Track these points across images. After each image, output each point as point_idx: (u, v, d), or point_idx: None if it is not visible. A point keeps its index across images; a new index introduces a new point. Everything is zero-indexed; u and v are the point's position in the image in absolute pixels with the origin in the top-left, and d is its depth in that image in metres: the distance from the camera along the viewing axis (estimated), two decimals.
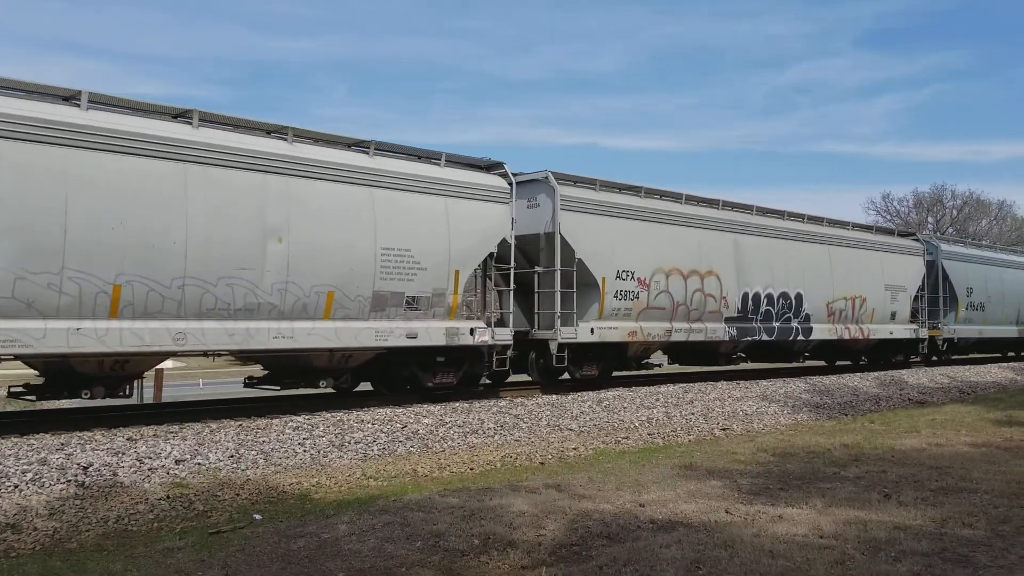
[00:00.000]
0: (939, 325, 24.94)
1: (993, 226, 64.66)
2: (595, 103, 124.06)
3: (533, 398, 14.36)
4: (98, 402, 11.50)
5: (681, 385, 16.92)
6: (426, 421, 11.73)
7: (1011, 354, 31.92)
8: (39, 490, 7.68)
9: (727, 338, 17.89)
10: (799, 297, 19.96)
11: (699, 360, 19.23)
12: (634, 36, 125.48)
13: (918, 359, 25.35)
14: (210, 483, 8.35)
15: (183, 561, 5.95)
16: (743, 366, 21.06)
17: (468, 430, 11.62)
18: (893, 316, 23.23)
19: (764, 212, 19.86)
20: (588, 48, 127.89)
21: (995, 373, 24.31)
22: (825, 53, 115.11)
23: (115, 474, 8.26)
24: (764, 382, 18.18)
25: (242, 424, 10.73)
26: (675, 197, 17.56)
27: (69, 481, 7.93)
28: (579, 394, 14.97)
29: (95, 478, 8.09)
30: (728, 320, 17.93)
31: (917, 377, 21.64)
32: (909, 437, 12.24)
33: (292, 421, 11.07)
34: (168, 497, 7.77)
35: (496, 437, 11.53)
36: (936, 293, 25.12)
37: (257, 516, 7.37)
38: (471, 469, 9.69)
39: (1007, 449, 11.02)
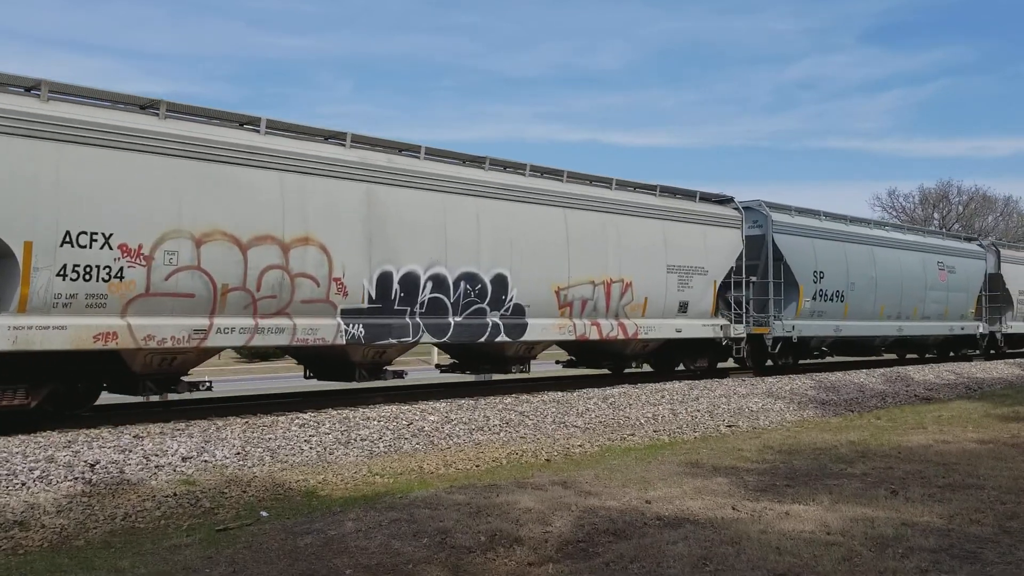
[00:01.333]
0: (769, 320, 18.77)
1: (999, 222, 64.49)
2: (597, 100, 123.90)
3: (539, 395, 14.33)
4: (105, 400, 11.52)
5: (687, 382, 16.90)
6: (432, 418, 11.74)
7: (917, 356, 26.81)
8: (46, 487, 7.70)
9: (344, 340, 11.93)
10: (501, 281, 13.73)
11: (330, 372, 13.47)
12: (635, 32, 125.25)
13: (747, 365, 20.02)
14: (217, 480, 8.36)
15: (190, 558, 5.96)
16: (412, 380, 15.45)
17: (474, 427, 11.63)
18: (683, 308, 16.83)
19: (441, 156, 13.73)
20: (590, 44, 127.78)
21: (1002, 369, 24.27)
22: (829, 49, 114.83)
23: (122, 471, 8.28)
24: (770, 379, 18.16)
25: (248, 421, 10.74)
26: (250, 123, 11.60)
27: (76, 478, 7.95)
28: (584, 391, 14.97)
29: (102, 475, 8.11)
30: (348, 313, 11.94)
31: (924, 374, 21.59)
32: (916, 433, 12.22)
33: (298, 418, 11.08)
34: (175, 494, 7.78)
35: (502, 434, 11.54)
36: (767, 278, 18.93)
37: (264, 513, 7.39)
38: (477, 466, 9.70)
39: (1014, 446, 10.99)
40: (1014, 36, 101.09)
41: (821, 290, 20.19)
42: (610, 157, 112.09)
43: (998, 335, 27.75)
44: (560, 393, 14.60)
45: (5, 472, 7.85)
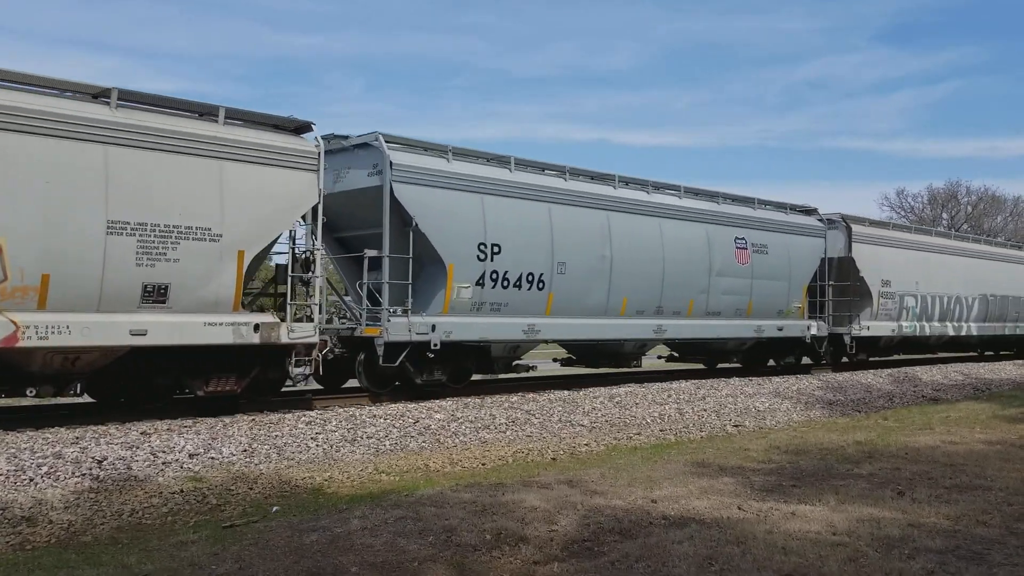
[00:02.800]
0: (383, 316, 12.46)
1: (1009, 222, 64.23)
2: (608, 99, 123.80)
3: (545, 394, 14.33)
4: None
5: (693, 381, 16.88)
6: (438, 416, 11.75)
7: (741, 365, 20.20)
8: (54, 483, 7.73)
9: None
10: None
11: None
12: (646, 32, 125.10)
13: (364, 387, 13.54)
14: (224, 477, 8.39)
15: (197, 554, 5.98)
16: None
17: (480, 425, 11.64)
18: (158, 295, 10.24)
19: None
20: (600, 44, 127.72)
21: (1010, 370, 24.18)
22: (841, 49, 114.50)
23: (129, 468, 8.31)
24: (777, 379, 18.12)
25: (255, 418, 10.77)
26: None
27: (84, 475, 7.99)
28: (591, 390, 14.97)
29: (109, 472, 8.14)
30: None
31: (931, 374, 21.52)
32: (923, 434, 12.18)
33: (305, 416, 11.10)
34: (182, 491, 7.81)
35: (508, 433, 11.55)
36: (397, 253, 12.65)
37: (275, 508, 7.42)
38: (483, 464, 9.70)
39: (1022, 447, 10.96)
40: None
41: (495, 272, 13.55)
42: (620, 157, 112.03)
43: (846, 338, 20.62)
44: (566, 392, 14.60)
45: (13, 468, 7.89)
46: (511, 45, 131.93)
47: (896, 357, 25.36)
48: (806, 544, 6.12)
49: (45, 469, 7.98)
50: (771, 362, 20.43)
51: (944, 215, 63.08)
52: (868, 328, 21.15)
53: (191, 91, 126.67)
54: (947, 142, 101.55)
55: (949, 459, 9.96)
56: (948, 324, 24.39)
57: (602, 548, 6.05)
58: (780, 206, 19.69)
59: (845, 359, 21.58)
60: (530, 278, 14.12)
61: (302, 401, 12.77)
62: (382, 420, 11.23)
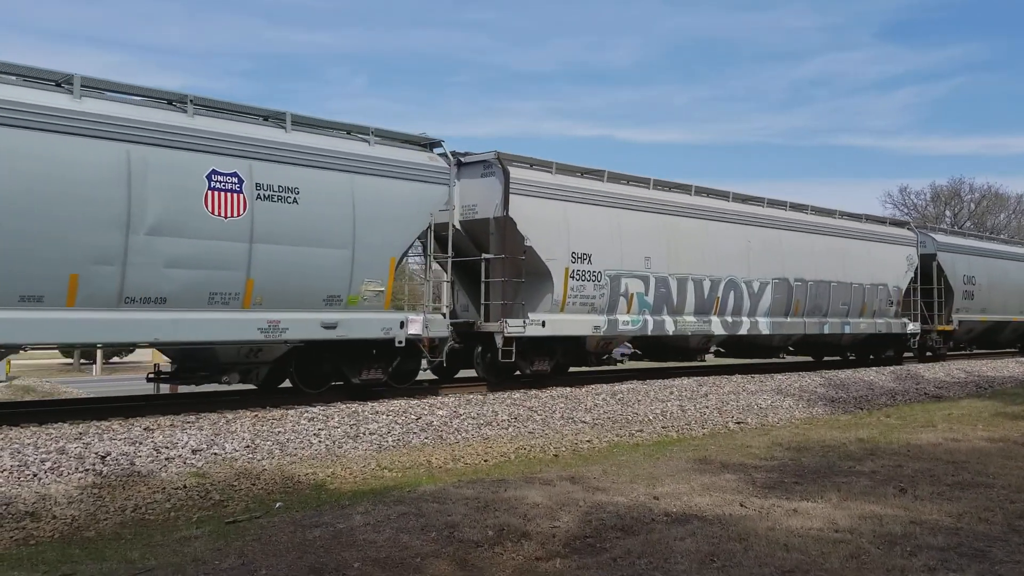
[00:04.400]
0: None
1: (1012, 219, 64.07)
2: (610, 96, 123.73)
3: (547, 390, 14.34)
4: (116, 391, 11.56)
5: (695, 378, 16.88)
6: (440, 413, 11.76)
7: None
8: (58, 479, 7.75)
9: None
10: None
11: None
12: (649, 28, 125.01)
13: None
14: (226, 473, 8.40)
15: (200, 550, 6.00)
16: None
17: (482, 422, 11.65)
18: None
19: None
20: (602, 41, 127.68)
21: (1013, 368, 24.14)
22: (844, 46, 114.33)
23: (132, 463, 8.33)
24: (779, 376, 18.12)
25: (258, 414, 10.79)
26: None
27: (87, 470, 8.01)
28: (593, 387, 14.98)
29: (113, 467, 8.16)
30: None
31: (934, 371, 21.49)
32: (925, 432, 12.17)
33: (307, 412, 11.12)
34: (185, 486, 7.83)
35: (510, 429, 11.56)
36: None
37: (278, 504, 7.43)
38: (485, 461, 9.71)
39: None
40: None
41: None
42: (622, 153, 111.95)
43: (498, 339, 13.71)
44: (569, 389, 14.61)
45: (17, 463, 7.91)
46: (514, 41, 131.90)
47: (626, 367, 18.01)
48: (808, 541, 6.13)
49: (49, 464, 8.00)
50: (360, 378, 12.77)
51: (947, 212, 62.96)
52: (543, 324, 14.13)
53: (193, 86, 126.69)
54: (950, 139, 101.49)
55: (951, 456, 9.95)
56: (715, 319, 17.26)
57: (604, 544, 6.06)
58: (361, 131, 12.47)
59: (517, 372, 14.79)
60: None
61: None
62: (384, 416, 11.24)
